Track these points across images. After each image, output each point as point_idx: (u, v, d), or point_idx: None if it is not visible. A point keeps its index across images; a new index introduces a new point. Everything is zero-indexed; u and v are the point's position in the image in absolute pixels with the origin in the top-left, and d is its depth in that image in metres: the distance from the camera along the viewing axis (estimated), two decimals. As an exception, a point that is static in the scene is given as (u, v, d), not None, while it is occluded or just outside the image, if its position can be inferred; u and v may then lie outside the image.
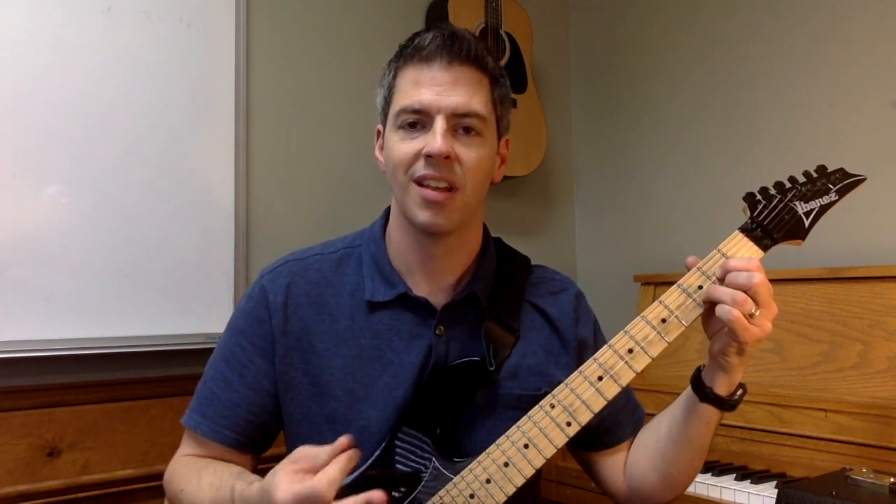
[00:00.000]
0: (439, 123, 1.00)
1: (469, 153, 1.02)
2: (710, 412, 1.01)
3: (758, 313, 0.92)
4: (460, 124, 1.02)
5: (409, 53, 1.05)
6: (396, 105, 1.04)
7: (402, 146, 1.02)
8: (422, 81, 1.02)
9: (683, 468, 1.07)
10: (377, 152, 1.13)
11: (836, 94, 1.98)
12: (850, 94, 1.95)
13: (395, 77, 1.06)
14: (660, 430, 1.10)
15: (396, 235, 1.11)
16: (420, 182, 1.01)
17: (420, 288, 1.09)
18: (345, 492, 1.01)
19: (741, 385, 1.00)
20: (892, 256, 1.82)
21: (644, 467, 1.11)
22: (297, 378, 1.07)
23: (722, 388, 0.99)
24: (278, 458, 1.17)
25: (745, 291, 0.91)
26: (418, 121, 1.02)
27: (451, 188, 1.01)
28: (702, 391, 1.00)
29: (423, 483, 0.99)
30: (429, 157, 0.99)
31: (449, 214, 1.02)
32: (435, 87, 1.01)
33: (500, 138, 1.10)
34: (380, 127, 1.12)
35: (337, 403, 1.06)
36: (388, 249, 1.11)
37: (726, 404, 1.00)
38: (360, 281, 1.10)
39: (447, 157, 0.99)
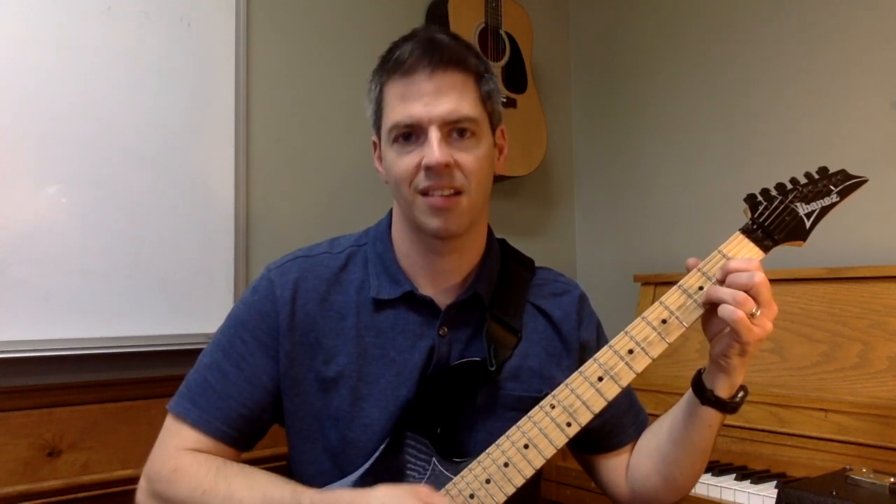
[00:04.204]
0: (433, 134, 1.00)
1: (467, 157, 1.02)
2: (711, 415, 1.01)
3: (759, 313, 0.92)
4: (454, 129, 1.02)
5: (390, 68, 1.04)
6: (388, 121, 1.04)
7: (401, 162, 1.03)
8: (408, 95, 1.02)
9: (686, 471, 1.07)
10: (377, 163, 1.13)
11: (836, 94, 1.98)
12: (850, 94, 1.95)
13: (381, 92, 1.06)
14: (661, 433, 1.10)
15: (399, 240, 1.11)
16: (425, 193, 1.01)
17: (425, 289, 1.09)
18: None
19: (742, 387, 1.00)
20: (892, 256, 1.82)
21: (646, 470, 1.11)
22: (301, 374, 1.07)
23: (723, 390, 0.99)
24: (277, 458, 1.17)
25: (745, 291, 0.91)
26: (412, 132, 1.02)
27: (456, 193, 1.02)
28: (703, 394, 1.00)
29: (423, 482, 0.99)
30: (429, 168, 1.00)
31: (458, 218, 1.03)
32: (422, 97, 1.01)
33: (494, 130, 1.10)
34: (375, 139, 1.12)
35: (340, 401, 1.05)
36: (394, 250, 1.11)
37: (728, 406, 1.00)
38: (366, 278, 1.10)
39: (447, 166, 1.00)
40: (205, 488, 0.99)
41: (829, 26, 2.00)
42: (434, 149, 0.99)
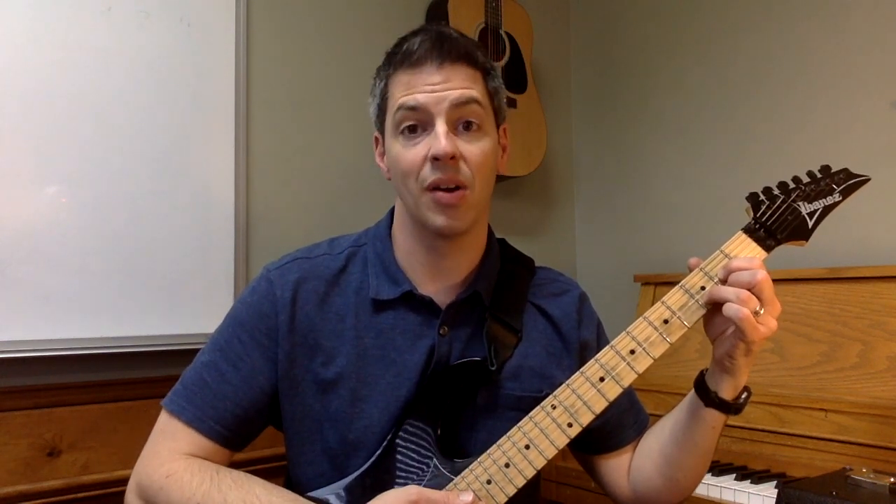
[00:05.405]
0: (440, 125, 1.00)
1: (473, 150, 1.02)
2: (715, 416, 1.01)
3: (763, 311, 0.92)
4: (461, 119, 1.02)
5: (398, 60, 1.04)
6: (393, 108, 1.03)
7: (407, 154, 1.02)
8: (414, 84, 1.01)
9: (689, 472, 1.07)
10: (378, 160, 1.13)
11: (836, 94, 1.98)
12: (850, 94, 1.95)
13: (386, 85, 1.06)
14: (664, 434, 1.10)
15: (401, 237, 1.11)
16: (431, 189, 1.01)
17: (425, 287, 1.09)
18: (345, 492, 1.01)
19: (746, 388, 1.00)
20: (892, 256, 1.82)
21: (649, 472, 1.11)
22: (300, 375, 1.06)
23: (728, 391, 0.99)
24: (277, 458, 1.17)
25: (748, 289, 0.91)
26: (418, 123, 1.01)
27: (460, 188, 1.01)
28: (706, 396, 1.00)
29: (423, 483, 0.99)
30: (435, 159, 0.99)
31: (463, 215, 1.02)
32: (429, 86, 1.01)
33: (498, 127, 1.10)
34: (377, 135, 1.12)
35: (340, 402, 1.05)
36: (394, 249, 1.11)
37: (732, 408, 0.99)
38: (365, 279, 1.10)
39: (453, 158, 0.99)
40: (198, 500, 0.97)
41: (830, 26, 2.00)
42: (441, 139, 0.98)
